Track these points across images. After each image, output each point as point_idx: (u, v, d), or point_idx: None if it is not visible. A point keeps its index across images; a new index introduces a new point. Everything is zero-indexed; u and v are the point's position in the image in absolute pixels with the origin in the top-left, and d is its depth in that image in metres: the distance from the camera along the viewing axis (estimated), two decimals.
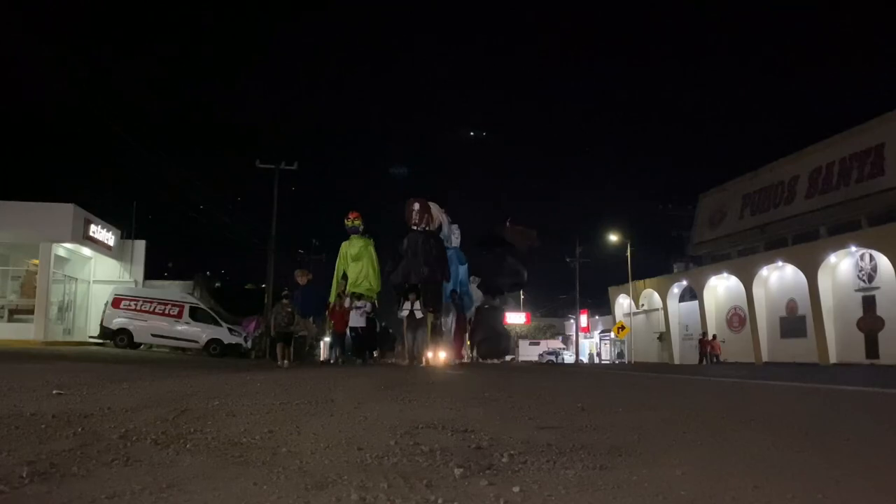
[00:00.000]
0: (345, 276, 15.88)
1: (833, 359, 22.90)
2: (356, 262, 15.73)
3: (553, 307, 52.88)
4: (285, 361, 11.96)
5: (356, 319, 14.96)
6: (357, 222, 16.28)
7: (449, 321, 16.74)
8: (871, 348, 21.78)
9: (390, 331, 24.23)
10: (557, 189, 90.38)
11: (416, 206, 16.35)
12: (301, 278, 15.40)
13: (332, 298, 15.59)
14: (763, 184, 28.29)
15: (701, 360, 26.68)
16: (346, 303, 14.84)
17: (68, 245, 21.36)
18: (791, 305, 25.96)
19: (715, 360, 26.51)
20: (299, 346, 16.57)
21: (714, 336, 28.20)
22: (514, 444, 2.39)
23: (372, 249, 16.26)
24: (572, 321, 45.82)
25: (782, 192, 27.01)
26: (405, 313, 14.26)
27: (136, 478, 1.78)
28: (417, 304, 14.24)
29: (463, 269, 18.69)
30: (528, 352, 42.67)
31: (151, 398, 4.18)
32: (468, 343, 20.02)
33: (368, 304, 15.24)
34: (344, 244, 16.44)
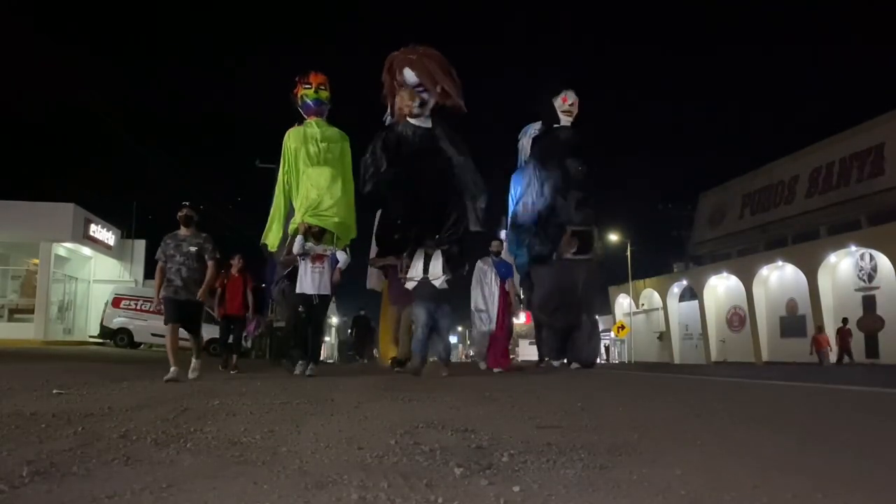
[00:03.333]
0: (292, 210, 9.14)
1: (833, 359, 22.91)
2: (318, 171, 8.85)
3: None
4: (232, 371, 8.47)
5: (311, 281, 7.53)
6: (324, 94, 9.53)
7: (482, 301, 9.74)
8: (871, 348, 21.78)
9: (372, 324, 17.37)
10: None
11: (413, 61, 9.65)
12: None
13: (269, 241, 9.33)
14: (763, 183, 28.29)
15: (840, 359, 19.42)
16: (296, 247, 7.69)
17: (68, 245, 21.37)
18: (791, 305, 25.96)
19: (846, 357, 19.35)
20: (280, 340, 14.17)
21: (844, 321, 19.89)
22: (514, 444, 2.39)
23: (349, 153, 9.52)
24: None
25: (782, 192, 27.02)
26: (415, 282, 8.25)
27: (137, 477, 1.78)
28: (438, 267, 8.18)
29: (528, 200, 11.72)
30: (528, 352, 42.63)
31: (151, 398, 4.18)
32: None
33: (339, 256, 7.85)
34: (292, 134, 9.32)
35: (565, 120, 11.76)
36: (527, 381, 6.72)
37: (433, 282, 8.17)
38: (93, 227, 22.01)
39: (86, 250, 22.61)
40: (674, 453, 2.30)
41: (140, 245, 25.41)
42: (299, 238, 7.87)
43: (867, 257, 22.48)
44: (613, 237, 37.85)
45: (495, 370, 9.38)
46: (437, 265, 8.30)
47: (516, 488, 1.71)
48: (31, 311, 20.24)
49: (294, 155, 9.31)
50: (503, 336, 10.13)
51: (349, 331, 20.46)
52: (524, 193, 11.84)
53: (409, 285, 8.42)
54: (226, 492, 1.65)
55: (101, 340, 19.74)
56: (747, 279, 27.42)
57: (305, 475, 1.83)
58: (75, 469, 1.87)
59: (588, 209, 11.55)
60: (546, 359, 11.71)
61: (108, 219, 23.72)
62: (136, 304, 20.10)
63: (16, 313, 21.17)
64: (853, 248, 22.65)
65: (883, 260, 21.40)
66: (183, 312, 6.26)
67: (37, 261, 20.55)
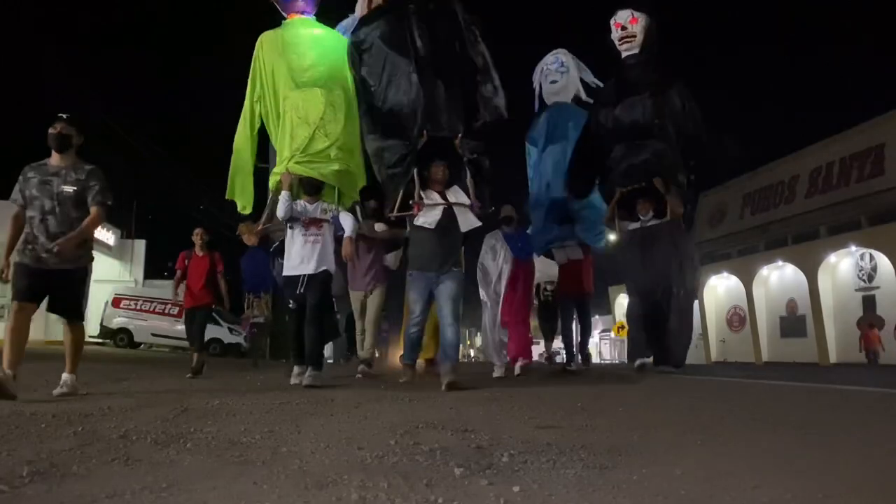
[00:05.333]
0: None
1: (833, 359, 22.91)
2: (307, 95, 6.23)
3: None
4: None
5: (302, 257, 5.59)
6: None
7: (491, 274, 7.33)
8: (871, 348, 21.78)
9: (338, 315, 12.41)
10: None
11: None
12: (248, 236, 7.31)
13: (241, 199, 6.72)
14: (763, 183, 28.28)
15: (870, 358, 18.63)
16: (281, 209, 5.60)
17: None
18: (791, 305, 25.97)
19: (872, 356, 18.98)
20: (257, 337, 12.73)
21: (871, 323, 19.81)
22: (514, 444, 2.39)
23: (351, 67, 6.59)
24: None
25: (782, 192, 27.01)
26: (427, 218, 5.57)
27: (136, 477, 1.78)
28: (459, 194, 5.76)
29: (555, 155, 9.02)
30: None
31: (151, 398, 4.18)
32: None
33: (344, 219, 5.81)
34: (266, 42, 6.65)
35: (626, 49, 8.83)
36: (527, 381, 6.72)
37: (459, 214, 5.57)
38: None
39: None
40: (674, 453, 2.30)
41: (140, 245, 25.48)
42: (284, 196, 5.56)
43: (867, 257, 22.49)
44: (612, 237, 37.89)
45: (516, 368, 7.49)
46: (458, 193, 5.72)
47: (516, 488, 1.71)
48: None
49: (270, 73, 6.45)
50: (520, 327, 7.79)
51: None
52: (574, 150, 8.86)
53: (427, 220, 5.50)
54: (226, 492, 1.65)
55: (101, 340, 19.75)
56: (747, 279, 27.43)
57: (305, 475, 1.83)
58: (75, 469, 1.87)
59: (658, 157, 8.40)
60: (638, 361, 8.48)
61: (108, 219, 23.72)
62: (136, 305, 20.13)
63: None
64: (853, 248, 22.66)
65: (883, 260, 21.40)
66: (43, 287, 4.13)
67: None
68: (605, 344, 46.59)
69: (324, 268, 5.64)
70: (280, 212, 5.63)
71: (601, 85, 9.50)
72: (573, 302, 9.00)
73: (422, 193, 5.75)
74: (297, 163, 6.00)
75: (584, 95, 9.57)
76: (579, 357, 9.45)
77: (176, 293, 8.16)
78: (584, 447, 2.34)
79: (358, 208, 6.89)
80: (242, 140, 6.71)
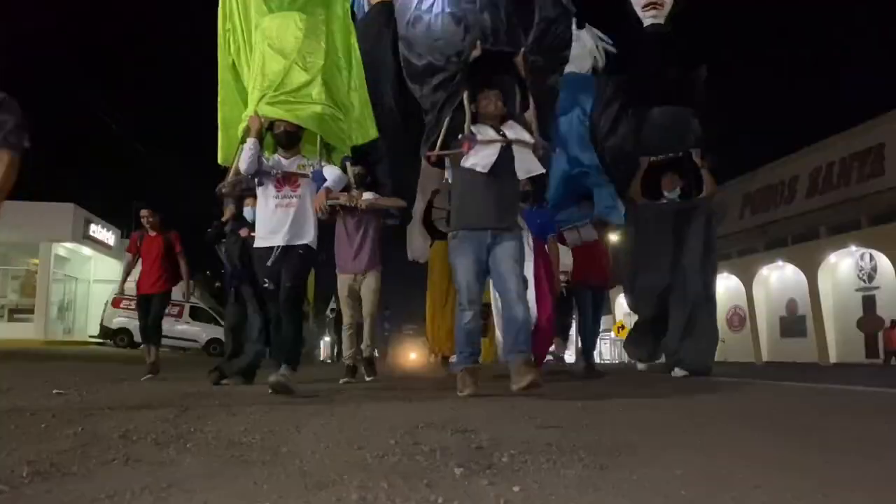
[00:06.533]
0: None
1: (833, 359, 22.93)
2: (281, 21, 5.21)
3: None
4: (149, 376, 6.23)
5: (275, 223, 4.47)
6: None
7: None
8: (871, 348, 21.80)
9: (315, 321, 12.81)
10: None
11: None
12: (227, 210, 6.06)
13: (222, 155, 5.72)
14: (763, 183, 28.30)
15: (888, 359, 18.44)
16: (244, 160, 4.40)
17: (68, 244, 21.43)
18: (791, 305, 26.00)
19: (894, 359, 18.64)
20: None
21: (893, 322, 19.48)
22: (514, 444, 2.39)
23: None
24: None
25: (782, 192, 27.03)
26: (480, 159, 4.22)
27: (137, 477, 1.78)
28: (519, 130, 4.43)
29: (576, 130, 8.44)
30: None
31: (151, 398, 4.18)
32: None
33: (328, 171, 4.59)
34: None
35: (651, 17, 8.12)
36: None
37: (518, 155, 4.30)
38: (93, 227, 22.07)
39: (86, 250, 22.67)
40: (674, 453, 2.30)
41: None
42: (250, 144, 4.43)
43: (867, 257, 22.51)
44: (613, 237, 37.92)
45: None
46: (517, 128, 4.42)
47: (516, 488, 1.70)
48: (31, 311, 20.29)
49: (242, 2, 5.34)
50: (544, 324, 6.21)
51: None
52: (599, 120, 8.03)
53: (480, 161, 4.22)
54: (226, 492, 1.65)
55: (101, 340, 19.77)
56: (747, 279, 27.44)
57: (305, 475, 1.83)
58: (75, 469, 1.87)
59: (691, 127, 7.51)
60: (635, 361, 7.97)
61: (108, 219, 23.77)
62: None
63: (16, 313, 21.22)
64: (853, 248, 22.68)
65: (883, 260, 21.42)
66: None
67: (37, 261, 20.60)
68: (604, 344, 46.63)
69: (302, 241, 4.48)
70: (243, 163, 4.45)
71: (614, 52, 8.90)
72: (590, 291, 7.88)
73: (472, 128, 4.47)
74: (269, 103, 4.80)
75: (601, 63, 8.85)
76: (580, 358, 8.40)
77: (123, 282, 7.09)
78: (584, 447, 2.34)
79: (349, 164, 5.69)
80: (223, 84, 5.68)
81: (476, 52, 4.86)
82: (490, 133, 4.42)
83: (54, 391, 4.25)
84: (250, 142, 4.50)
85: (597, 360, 9.50)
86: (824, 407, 4.24)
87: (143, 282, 6.74)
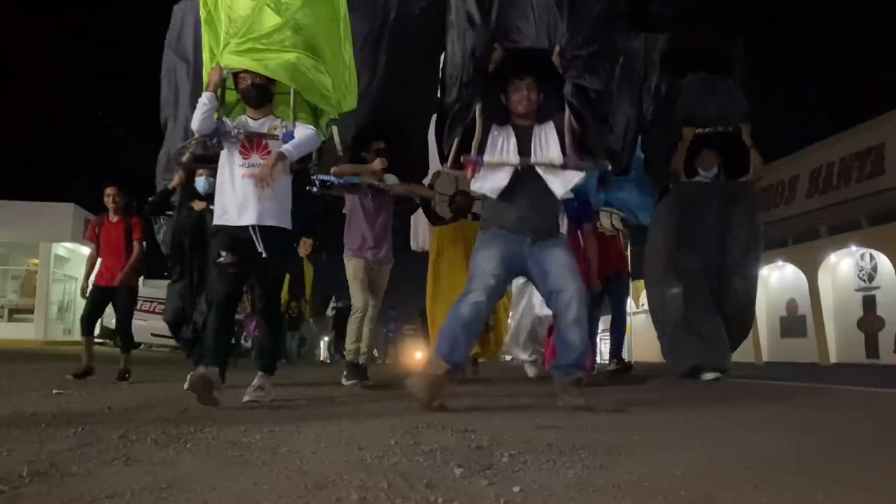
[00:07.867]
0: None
1: (833, 358, 22.93)
2: None
3: None
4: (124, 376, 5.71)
5: (239, 198, 3.69)
6: None
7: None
8: (871, 348, 21.81)
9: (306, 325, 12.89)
10: None
11: None
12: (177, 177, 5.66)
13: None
14: (763, 183, 28.26)
15: None
16: (197, 119, 3.66)
17: (68, 244, 21.43)
18: (791, 305, 25.99)
19: None
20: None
21: None
22: (514, 444, 2.39)
23: None
24: None
25: (782, 192, 27.02)
26: (489, 183, 3.75)
27: (136, 477, 1.78)
28: (549, 138, 3.75)
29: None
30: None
31: (151, 398, 4.18)
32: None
33: (299, 130, 3.77)
34: None
35: None
36: (527, 381, 6.72)
37: (542, 171, 3.74)
38: None
39: (86, 250, 22.64)
40: (674, 454, 2.30)
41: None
42: (205, 98, 3.69)
43: (867, 257, 22.51)
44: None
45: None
46: (549, 137, 3.79)
47: (516, 488, 1.71)
48: (31, 311, 20.30)
49: None
50: None
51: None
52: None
53: (488, 186, 3.78)
54: (226, 492, 1.65)
55: (101, 340, 19.76)
56: None
57: (305, 475, 1.83)
58: (75, 469, 1.87)
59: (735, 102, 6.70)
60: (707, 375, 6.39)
61: None
62: (136, 305, 20.09)
63: (16, 313, 21.22)
64: (853, 248, 22.67)
65: (883, 260, 21.42)
66: None
67: (37, 261, 20.61)
68: (604, 343, 46.58)
69: (278, 223, 3.81)
70: (195, 122, 3.68)
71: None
72: (614, 283, 7.22)
73: (494, 131, 3.82)
74: (234, 52, 3.86)
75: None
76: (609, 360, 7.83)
77: (87, 278, 6.01)
78: (584, 447, 2.34)
79: (335, 129, 4.82)
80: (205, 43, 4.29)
81: (497, 55, 4.04)
82: (509, 145, 3.78)
83: (54, 391, 4.25)
84: (205, 96, 3.70)
85: (597, 360, 9.06)
86: (824, 407, 4.24)
87: (104, 273, 5.86)
